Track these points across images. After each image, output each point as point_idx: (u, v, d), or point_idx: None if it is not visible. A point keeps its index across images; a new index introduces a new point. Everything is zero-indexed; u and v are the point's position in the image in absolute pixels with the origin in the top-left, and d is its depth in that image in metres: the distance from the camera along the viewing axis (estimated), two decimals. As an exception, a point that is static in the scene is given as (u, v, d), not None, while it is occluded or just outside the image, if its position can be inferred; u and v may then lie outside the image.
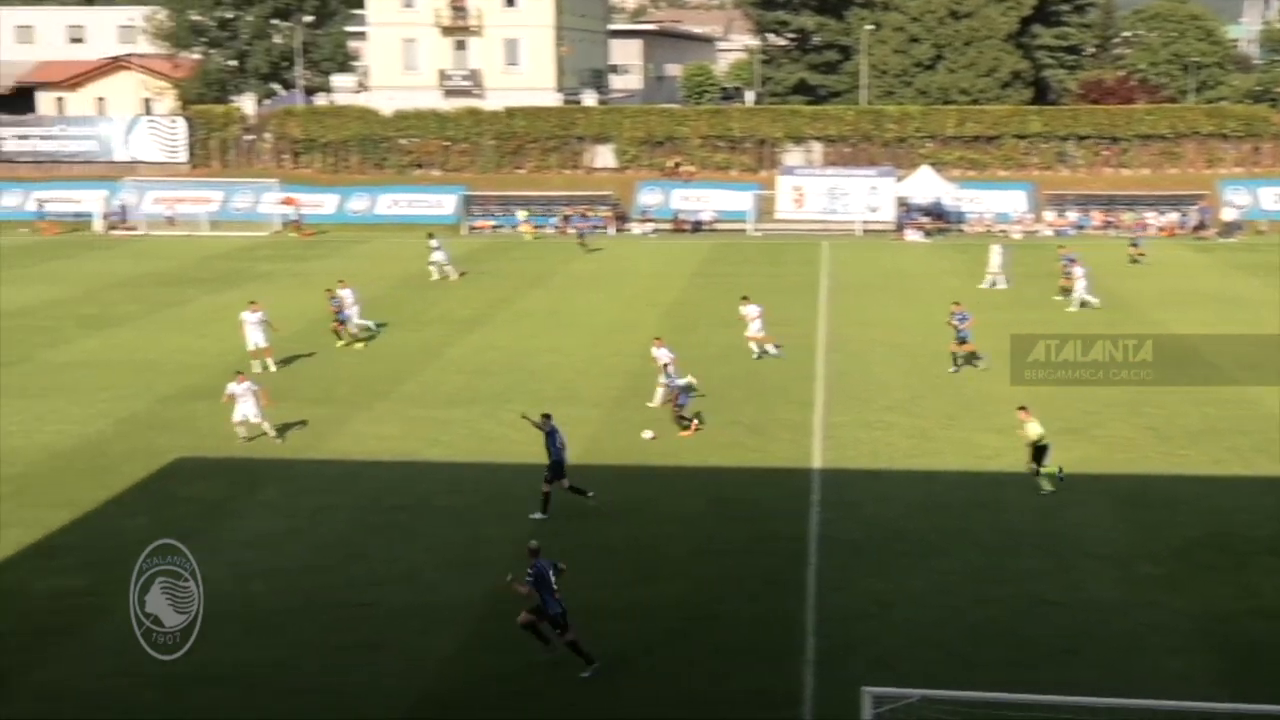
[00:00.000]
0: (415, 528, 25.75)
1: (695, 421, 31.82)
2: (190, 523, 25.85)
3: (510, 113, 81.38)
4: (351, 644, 20.52)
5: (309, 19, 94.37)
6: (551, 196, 75.41)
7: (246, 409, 30.40)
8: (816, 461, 29.77)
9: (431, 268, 55.19)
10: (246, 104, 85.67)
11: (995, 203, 74.00)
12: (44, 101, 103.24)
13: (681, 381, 32.28)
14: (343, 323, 42.05)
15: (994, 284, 51.70)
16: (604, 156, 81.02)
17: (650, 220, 73.86)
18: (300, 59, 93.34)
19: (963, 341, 37.71)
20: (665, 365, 33.40)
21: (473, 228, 72.70)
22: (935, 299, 49.60)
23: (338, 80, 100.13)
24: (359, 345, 41.58)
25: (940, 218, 72.06)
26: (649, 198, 76.26)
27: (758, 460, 29.94)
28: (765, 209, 73.29)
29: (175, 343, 42.00)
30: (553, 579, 19.31)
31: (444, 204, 75.63)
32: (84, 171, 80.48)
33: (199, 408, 33.70)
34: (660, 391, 33.51)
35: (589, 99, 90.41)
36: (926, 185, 72.46)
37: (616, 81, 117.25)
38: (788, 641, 20.59)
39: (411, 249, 64.97)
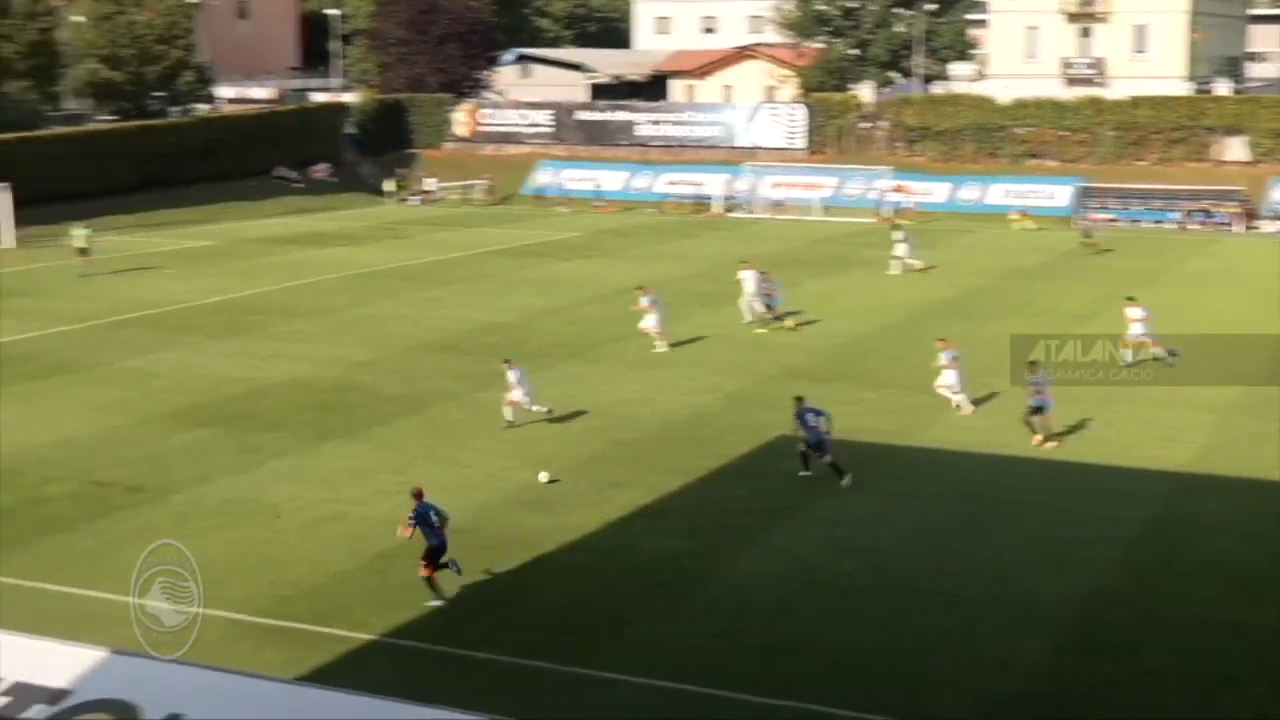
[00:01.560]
0: (1007, 522, 25.33)
1: (1041, 436, 29.65)
2: (786, 498, 26.68)
3: (1134, 102, 78.18)
4: (938, 632, 20.46)
5: (931, 7, 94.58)
6: (1174, 190, 71.88)
7: (518, 393, 31.16)
8: None
9: (894, 261, 53.76)
10: (864, 92, 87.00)
11: None
12: (675, 89, 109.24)
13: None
14: (770, 307, 42.31)
15: None
16: (1235, 149, 76.27)
17: (1285, 218, 68.97)
18: (920, 47, 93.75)
19: None
20: (944, 367, 32.28)
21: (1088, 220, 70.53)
22: None
23: (955, 69, 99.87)
24: (787, 326, 42.17)
25: None
26: (1283, 193, 71.20)
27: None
28: None
29: (783, 324, 43.31)
30: (434, 519, 21.05)
31: (1057, 195, 73.79)
32: (707, 156, 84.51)
33: (801, 388, 34.56)
34: (947, 394, 32.42)
35: (1222, 88, 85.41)
36: None
37: (1254, 70, 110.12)
38: None
39: (1021, 240, 64.03)
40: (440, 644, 20.05)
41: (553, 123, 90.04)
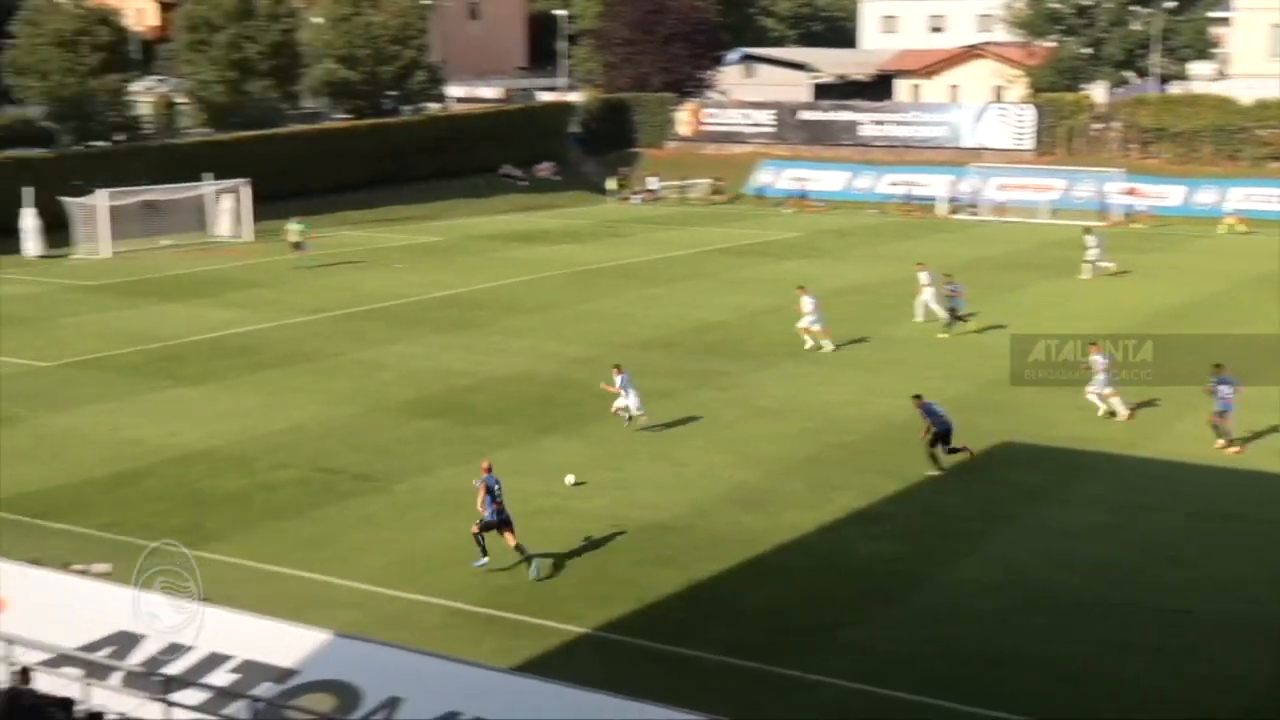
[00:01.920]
0: (1242, 538, 24.38)
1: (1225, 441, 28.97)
2: (1008, 506, 26.15)
3: (1389, 101, 74.58)
4: (1164, 649, 19.81)
5: (1170, 5, 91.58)
6: None
7: (629, 399, 30.64)
8: None
9: (1085, 265, 52.13)
10: (1097, 92, 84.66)
11: None
12: (900, 88, 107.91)
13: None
14: (953, 309, 41.33)
15: None
16: None
17: None
18: (1158, 46, 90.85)
19: None
20: (1099, 373, 31.55)
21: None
22: None
23: (1194, 68, 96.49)
24: (964, 329, 41.31)
25: None
26: None
27: None
28: None
29: (1006, 325, 42.42)
30: (496, 489, 22.42)
31: (1297, 199, 70.84)
32: (932, 156, 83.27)
33: (1024, 394, 33.83)
34: (1103, 402, 31.79)
35: None
36: None
37: None
38: None
39: (1259, 246, 61.62)
40: (652, 640, 20.16)
41: (775, 122, 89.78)
